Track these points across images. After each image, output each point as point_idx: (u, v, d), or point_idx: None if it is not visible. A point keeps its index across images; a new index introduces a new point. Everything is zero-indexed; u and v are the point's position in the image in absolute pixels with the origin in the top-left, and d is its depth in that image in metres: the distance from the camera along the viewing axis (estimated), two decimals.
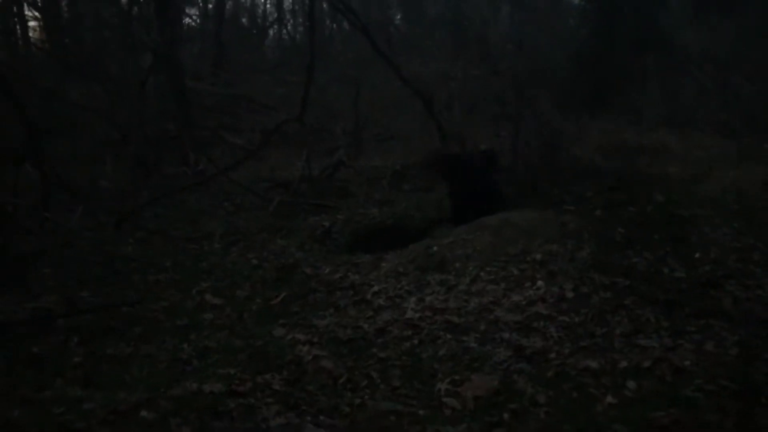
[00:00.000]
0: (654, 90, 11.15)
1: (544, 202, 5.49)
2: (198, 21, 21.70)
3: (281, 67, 17.91)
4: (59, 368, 3.67)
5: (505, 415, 3.07)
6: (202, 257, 5.77)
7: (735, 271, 4.48)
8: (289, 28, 23.73)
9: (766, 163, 7.93)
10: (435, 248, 4.98)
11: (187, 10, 20.19)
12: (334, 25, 20.43)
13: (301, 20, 23.00)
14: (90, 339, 4.08)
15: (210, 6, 21.49)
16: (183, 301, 4.75)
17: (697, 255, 4.68)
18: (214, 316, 4.51)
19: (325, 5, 18.00)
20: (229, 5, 22.93)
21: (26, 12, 13.67)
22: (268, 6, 23.92)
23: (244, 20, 23.53)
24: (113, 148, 9.31)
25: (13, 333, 4.10)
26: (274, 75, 17.30)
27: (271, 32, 23.00)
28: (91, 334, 4.15)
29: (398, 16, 21.61)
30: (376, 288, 4.67)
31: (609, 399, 3.18)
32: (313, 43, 8.54)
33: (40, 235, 5.64)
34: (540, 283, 4.36)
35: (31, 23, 14.07)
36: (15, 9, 13.81)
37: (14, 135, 6.78)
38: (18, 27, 14.17)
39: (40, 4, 13.73)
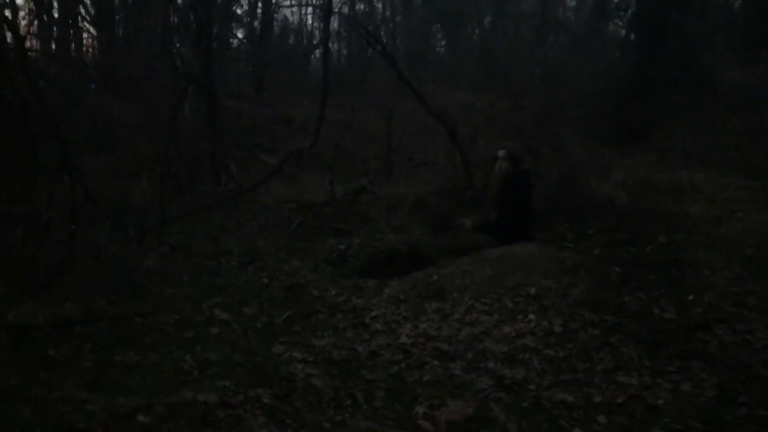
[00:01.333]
0: (688, 128, 11.21)
1: (549, 235, 5.62)
2: (244, 41, 22.41)
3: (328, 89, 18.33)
4: (70, 371, 3.94)
5: None
6: (217, 274, 6.05)
7: (727, 315, 4.57)
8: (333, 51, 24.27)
9: None
10: (435, 277, 5.18)
11: (233, 30, 20.89)
12: (371, 51, 20.87)
13: (345, 44, 23.59)
14: (102, 346, 4.35)
15: (256, 25, 22.22)
16: (193, 315, 5.01)
17: (690, 297, 4.78)
18: (220, 330, 4.76)
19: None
20: (276, 26, 23.65)
21: (82, 25, 14.41)
22: (315, 28, 24.43)
23: (290, 41, 24.19)
24: (150, 165, 9.74)
25: (34, 336, 4.40)
26: (315, 97, 17.76)
27: (316, 54, 23.50)
28: (104, 341, 4.43)
29: (441, 44, 21.99)
30: (375, 312, 4.88)
31: (577, 431, 3.32)
32: (327, 70, 8.87)
33: (69, 246, 5.97)
34: (531, 316, 4.52)
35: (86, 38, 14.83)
36: (71, 21, 14.59)
37: (51, 150, 7.23)
38: (73, 41, 14.94)
39: (97, 21, 14.47)
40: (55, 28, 14.02)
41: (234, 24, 20.63)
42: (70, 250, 5.96)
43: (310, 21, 24.34)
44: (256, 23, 21.97)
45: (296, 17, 24.28)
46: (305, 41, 24.61)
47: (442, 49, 21.70)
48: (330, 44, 23.76)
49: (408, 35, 20.15)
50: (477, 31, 19.84)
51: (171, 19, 11.39)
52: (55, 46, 13.93)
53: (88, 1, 14.48)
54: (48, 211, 6.22)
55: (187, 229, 7.93)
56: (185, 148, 10.19)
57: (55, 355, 4.15)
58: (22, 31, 10.15)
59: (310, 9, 22.45)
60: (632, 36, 14.27)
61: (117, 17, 13.95)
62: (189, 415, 3.41)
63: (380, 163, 12.25)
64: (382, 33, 21.65)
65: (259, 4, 21.92)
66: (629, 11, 15.33)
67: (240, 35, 22.17)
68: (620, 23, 17.50)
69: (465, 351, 4.23)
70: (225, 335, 4.70)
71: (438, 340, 4.39)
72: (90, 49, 15.53)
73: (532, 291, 4.75)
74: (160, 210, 7.44)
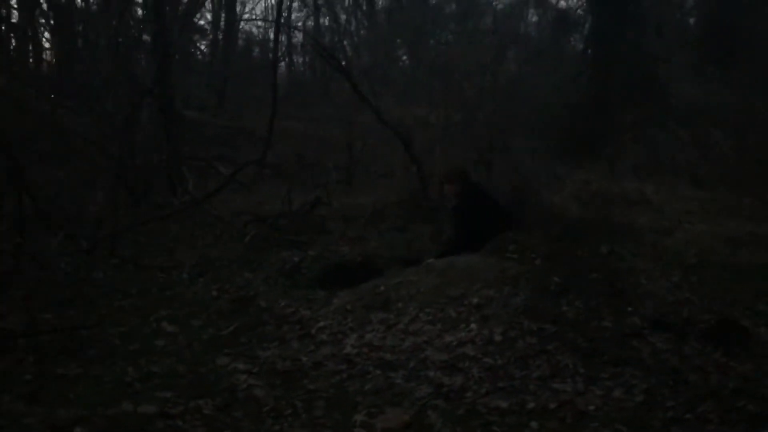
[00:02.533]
0: (641, 141, 11.49)
1: (494, 246, 5.74)
2: (205, 53, 22.38)
3: (287, 102, 18.41)
4: (9, 384, 3.93)
5: None
6: (168, 286, 6.06)
7: (661, 323, 4.73)
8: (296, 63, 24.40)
9: (737, 218, 8.24)
10: (382, 288, 5.26)
11: (197, 42, 20.86)
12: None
13: (308, 57, 23.65)
14: (44, 359, 4.34)
15: (221, 38, 22.23)
16: (140, 327, 5.03)
17: (629, 308, 4.93)
18: (165, 342, 4.78)
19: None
20: (241, 38, 23.65)
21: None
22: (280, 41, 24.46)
23: (255, 54, 24.20)
24: (105, 176, 9.68)
25: None
26: (278, 109, 17.80)
27: (281, 67, 23.51)
28: (46, 354, 4.42)
29: (403, 59, 22.20)
30: (322, 324, 4.95)
31: None
32: (276, 82, 8.98)
33: (15, 258, 5.93)
34: (473, 326, 4.62)
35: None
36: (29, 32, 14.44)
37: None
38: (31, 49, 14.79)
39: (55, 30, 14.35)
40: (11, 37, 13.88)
41: (197, 36, 20.63)
42: (16, 262, 5.92)
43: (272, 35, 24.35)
44: (219, 35, 22.02)
45: (261, 30, 24.32)
46: (270, 54, 24.60)
47: (404, 63, 21.92)
48: (293, 57, 23.88)
49: (370, 49, 20.30)
50: (437, 45, 20.10)
51: (127, 30, 11.34)
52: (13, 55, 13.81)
53: (47, 10, 14.38)
54: None
55: (141, 240, 7.92)
56: (140, 158, 10.16)
57: None
58: None
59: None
60: (589, 51, 14.58)
61: (75, 28, 13.81)
62: (128, 426, 3.44)
63: (341, 175, 12.33)
64: (347, 46, 21.83)
65: (222, 17, 21.97)
66: (586, 26, 15.69)
67: (203, 47, 22.19)
68: (577, 38, 17.88)
69: (407, 360, 4.31)
70: (170, 347, 4.72)
71: (382, 350, 4.47)
72: (47, 60, 15.43)
73: (475, 300, 4.86)
74: (112, 221, 7.41)
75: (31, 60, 14.82)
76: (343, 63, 11.84)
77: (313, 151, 13.66)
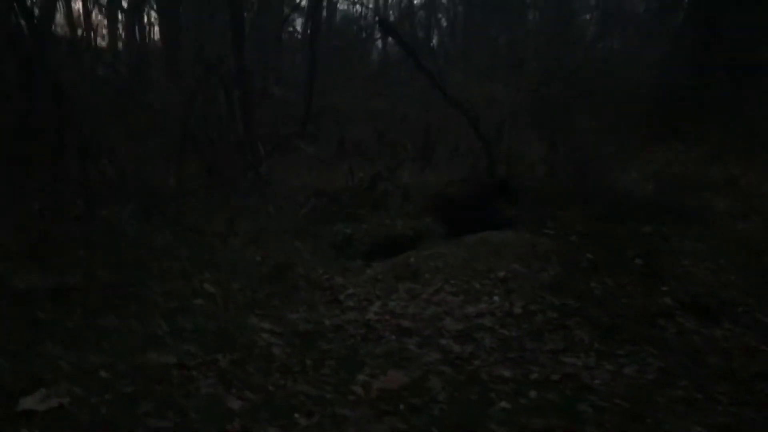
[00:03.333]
0: (738, 122, 10.92)
1: (532, 222, 5.71)
2: (298, 33, 22.83)
3: (379, 79, 18.62)
4: (53, 331, 4.29)
5: (401, 406, 3.41)
6: (217, 252, 6.36)
7: (694, 306, 4.59)
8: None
9: None
10: (413, 259, 5.34)
11: (292, 21, 21.34)
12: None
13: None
14: (90, 311, 4.69)
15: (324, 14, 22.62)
16: (183, 288, 5.31)
17: (662, 288, 4.81)
18: (203, 302, 5.05)
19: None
20: (338, 16, 23.99)
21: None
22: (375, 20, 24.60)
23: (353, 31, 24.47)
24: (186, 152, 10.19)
25: (31, 300, 4.78)
26: (368, 87, 18.09)
27: (378, 45, 23.59)
28: (93, 307, 4.78)
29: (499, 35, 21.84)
30: (351, 291, 5.10)
31: (503, 404, 3.46)
32: (315, 57, 9.13)
33: (82, 222, 6.39)
34: (496, 298, 4.65)
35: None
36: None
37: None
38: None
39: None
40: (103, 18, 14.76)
41: (295, 14, 21.06)
42: (83, 226, 6.38)
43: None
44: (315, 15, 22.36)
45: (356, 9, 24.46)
46: (365, 33, 24.78)
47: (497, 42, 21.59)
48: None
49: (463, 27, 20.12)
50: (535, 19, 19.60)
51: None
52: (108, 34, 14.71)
53: None
54: (66, 188, 6.67)
55: (207, 210, 8.30)
56: (215, 133, 10.61)
57: (44, 318, 4.51)
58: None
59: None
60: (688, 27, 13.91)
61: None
62: (146, 373, 3.70)
63: (419, 153, 12.40)
64: (443, 21, 21.63)
65: None
66: (685, 1, 14.97)
67: (299, 27, 22.61)
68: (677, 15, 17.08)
69: (424, 328, 4.40)
70: (206, 306, 4.98)
71: (402, 317, 4.57)
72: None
73: (501, 274, 4.87)
74: (177, 189, 7.82)
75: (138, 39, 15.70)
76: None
77: (397, 129, 13.84)
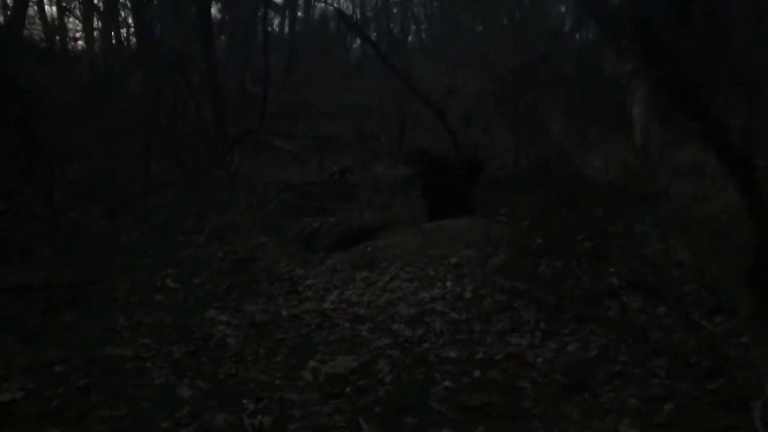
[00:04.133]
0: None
1: (486, 209, 5.84)
2: (274, 30, 22.80)
3: (355, 76, 18.66)
4: (13, 328, 4.37)
5: (348, 389, 3.52)
6: (182, 248, 6.45)
7: (639, 285, 4.72)
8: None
9: None
10: (370, 249, 5.46)
11: (270, 18, 21.30)
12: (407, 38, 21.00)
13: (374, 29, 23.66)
14: (52, 308, 4.78)
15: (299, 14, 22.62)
16: (145, 284, 5.42)
17: (610, 269, 4.94)
18: (164, 297, 5.16)
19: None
20: (317, 12, 23.94)
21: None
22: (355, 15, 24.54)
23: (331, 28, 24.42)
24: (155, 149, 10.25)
25: None
26: (344, 84, 18.16)
27: (356, 41, 23.50)
28: (55, 304, 4.86)
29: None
30: (310, 281, 5.21)
31: (447, 383, 3.58)
32: (268, 55, 9.26)
33: (48, 222, 6.47)
34: (448, 284, 4.77)
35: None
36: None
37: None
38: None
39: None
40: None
41: (272, 12, 21.03)
42: (50, 225, 6.46)
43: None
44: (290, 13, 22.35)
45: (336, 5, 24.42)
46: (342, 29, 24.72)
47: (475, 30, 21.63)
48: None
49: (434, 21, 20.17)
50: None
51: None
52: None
53: None
54: (34, 189, 6.74)
55: (178, 207, 8.37)
56: (187, 131, 10.69)
57: (4, 315, 4.60)
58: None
59: None
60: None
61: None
62: (101, 366, 3.79)
63: (393, 146, 12.49)
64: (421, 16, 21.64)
65: None
66: None
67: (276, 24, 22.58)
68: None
69: (378, 315, 4.51)
70: (167, 301, 5.08)
71: (358, 305, 4.69)
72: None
73: (454, 260, 4.99)
74: (145, 187, 7.91)
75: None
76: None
77: (373, 123, 13.91)
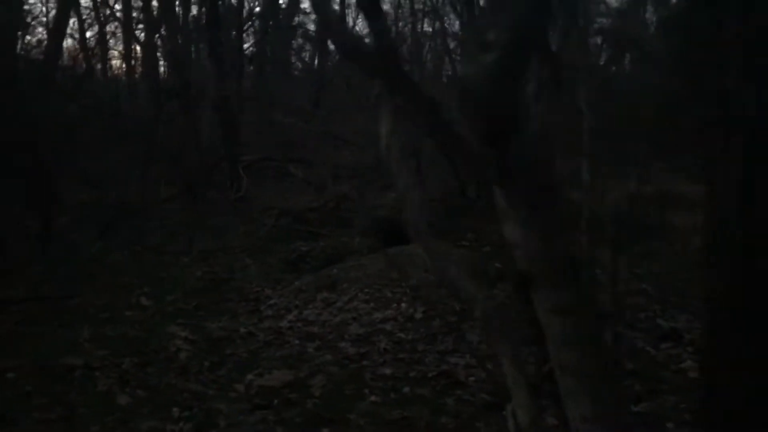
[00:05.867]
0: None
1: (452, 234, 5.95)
2: (299, 63, 23.25)
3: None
4: None
5: (276, 401, 3.65)
6: (166, 268, 6.66)
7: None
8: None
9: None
10: (335, 270, 5.60)
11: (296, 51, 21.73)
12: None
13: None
14: (23, 321, 5.01)
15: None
16: (119, 300, 5.62)
17: None
18: (134, 313, 5.34)
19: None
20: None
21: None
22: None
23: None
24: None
25: None
26: (368, 114, 18.43)
27: None
28: (28, 318, 5.09)
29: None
30: (273, 301, 5.36)
31: (374, 398, 3.69)
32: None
33: (40, 240, 6.77)
34: (402, 305, 4.88)
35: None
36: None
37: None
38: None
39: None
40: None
41: (303, 43, 21.46)
42: (40, 244, 6.75)
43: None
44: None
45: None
46: None
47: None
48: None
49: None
50: None
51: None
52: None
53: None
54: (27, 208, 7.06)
55: (175, 229, 8.64)
56: (201, 158, 11.03)
57: None
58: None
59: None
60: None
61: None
62: (51, 373, 3.98)
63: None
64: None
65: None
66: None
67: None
68: None
69: (329, 333, 4.64)
70: (136, 317, 5.27)
71: (312, 324, 4.82)
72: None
73: (412, 283, 5.10)
74: (141, 209, 8.20)
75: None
76: None
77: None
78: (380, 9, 1.70)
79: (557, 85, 3.40)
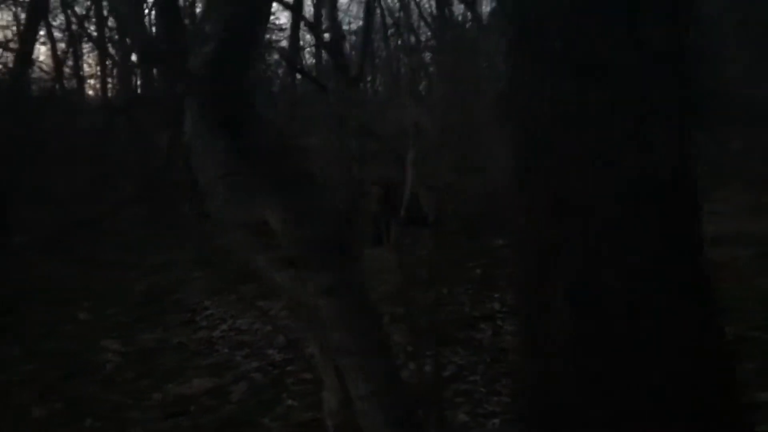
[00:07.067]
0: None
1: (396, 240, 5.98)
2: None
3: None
4: None
5: (192, 407, 3.68)
6: (111, 282, 6.67)
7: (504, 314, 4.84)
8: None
9: None
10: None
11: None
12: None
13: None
14: None
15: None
16: (58, 315, 5.63)
17: (496, 294, 5.08)
18: (72, 327, 5.36)
19: None
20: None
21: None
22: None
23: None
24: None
25: None
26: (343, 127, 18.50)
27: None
28: None
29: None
30: (210, 311, 5.39)
31: (291, 402, 3.73)
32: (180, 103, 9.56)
33: None
34: None
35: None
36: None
37: None
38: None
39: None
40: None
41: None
42: None
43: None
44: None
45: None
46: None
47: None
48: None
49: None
50: None
51: None
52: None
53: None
54: None
55: (131, 244, 8.65)
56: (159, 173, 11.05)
57: None
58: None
59: None
60: None
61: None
62: None
63: None
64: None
65: None
66: None
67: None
68: None
69: (259, 341, 4.67)
70: (74, 331, 5.29)
71: (245, 333, 4.86)
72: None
73: None
74: (93, 224, 8.23)
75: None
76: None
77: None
78: (178, 10, 1.77)
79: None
